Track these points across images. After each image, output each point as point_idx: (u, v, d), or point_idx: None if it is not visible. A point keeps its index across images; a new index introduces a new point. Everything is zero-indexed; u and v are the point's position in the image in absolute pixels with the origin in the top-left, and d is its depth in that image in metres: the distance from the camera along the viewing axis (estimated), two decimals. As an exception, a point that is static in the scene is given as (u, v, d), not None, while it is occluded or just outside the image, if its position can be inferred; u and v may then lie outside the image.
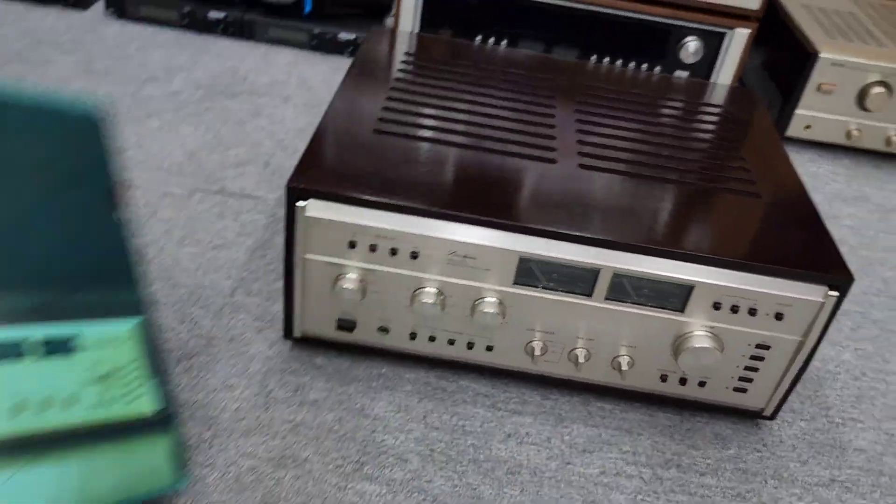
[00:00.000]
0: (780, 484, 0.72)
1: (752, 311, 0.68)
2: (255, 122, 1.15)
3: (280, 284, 0.86)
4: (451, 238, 0.67)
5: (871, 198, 1.23)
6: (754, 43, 1.22)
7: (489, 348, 0.74)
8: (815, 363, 0.87)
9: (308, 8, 1.39)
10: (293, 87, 1.25)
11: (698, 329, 0.70)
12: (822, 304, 0.67)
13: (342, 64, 1.35)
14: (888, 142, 1.28)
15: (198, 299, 0.82)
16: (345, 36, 1.36)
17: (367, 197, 0.67)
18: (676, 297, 0.68)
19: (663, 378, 0.74)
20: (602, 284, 0.68)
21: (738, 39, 1.21)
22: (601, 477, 0.71)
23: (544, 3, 1.21)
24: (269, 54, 1.35)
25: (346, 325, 0.74)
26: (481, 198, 0.69)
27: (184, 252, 0.88)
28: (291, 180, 0.67)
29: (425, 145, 0.76)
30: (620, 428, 0.76)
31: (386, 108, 0.81)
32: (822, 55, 1.22)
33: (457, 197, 0.68)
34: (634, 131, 0.85)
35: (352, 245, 0.68)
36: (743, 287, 0.67)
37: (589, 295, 0.69)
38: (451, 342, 0.74)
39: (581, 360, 0.72)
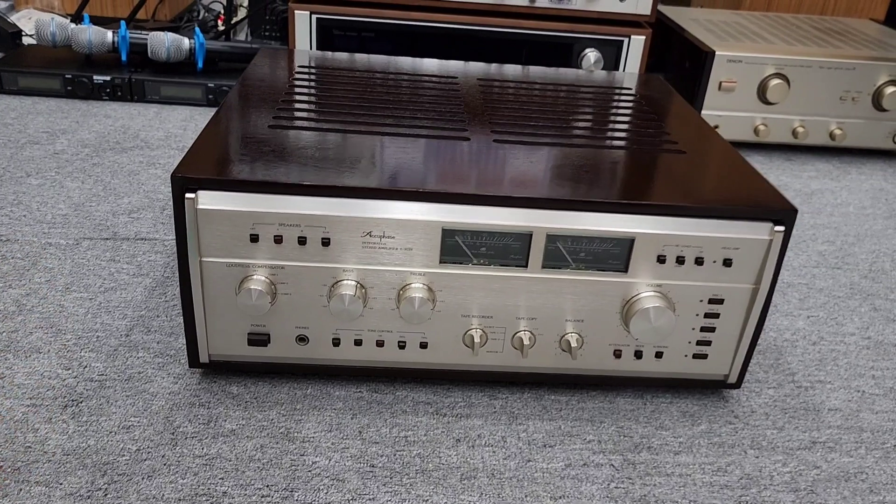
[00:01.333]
0: (760, 453, 0.66)
1: (699, 261, 0.63)
2: (149, 172, 1.06)
3: (181, 319, 0.76)
4: (364, 216, 0.60)
5: (790, 186, 1.23)
6: (651, 59, 1.23)
7: (423, 345, 0.66)
8: (770, 333, 0.83)
9: (200, 65, 1.33)
10: (190, 140, 1.18)
11: (645, 289, 0.64)
12: (770, 241, 0.63)
13: (241, 115, 1.29)
14: (794, 133, 1.30)
15: (87, 343, 0.72)
16: (241, 87, 1.31)
17: (265, 179, 0.60)
18: (617, 255, 0.63)
19: (617, 354, 0.67)
20: (537, 251, 0.62)
21: (635, 45, 1.21)
22: (567, 470, 0.62)
23: (441, 27, 1.19)
24: (163, 112, 1.28)
25: (259, 338, 0.65)
26: (395, 174, 0.62)
27: (69, 298, 0.78)
28: (178, 170, 0.59)
29: (329, 134, 0.69)
30: (580, 418, 0.68)
31: (281, 108, 0.75)
32: (719, 53, 1.24)
33: (368, 174, 0.62)
34: (547, 110, 0.81)
35: (254, 239, 0.60)
36: (686, 233, 0.62)
37: (524, 265, 0.63)
38: (380, 344, 0.66)
39: (526, 342, 0.65)
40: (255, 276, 0.62)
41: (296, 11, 1.16)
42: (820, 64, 1.24)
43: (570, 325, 0.66)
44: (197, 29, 1.34)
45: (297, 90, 0.81)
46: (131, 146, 1.14)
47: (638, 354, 0.67)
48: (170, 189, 1.02)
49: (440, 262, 0.62)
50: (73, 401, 0.65)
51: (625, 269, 0.63)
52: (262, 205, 0.59)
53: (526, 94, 0.87)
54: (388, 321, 0.65)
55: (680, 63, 1.35)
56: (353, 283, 0.62)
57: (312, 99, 0.79)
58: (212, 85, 1.30)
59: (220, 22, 1.65)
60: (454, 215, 0.61)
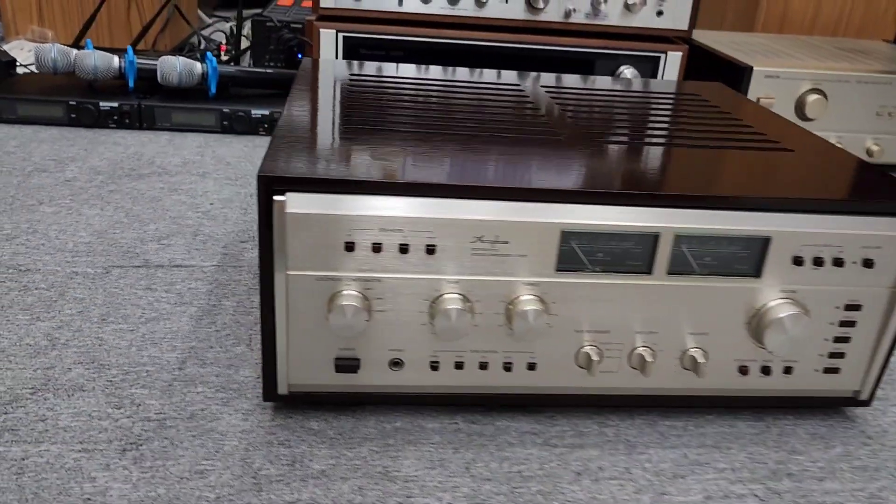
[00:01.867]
0: (906, 476, 0.59)
1: (838, 262, 0.57)
2: (172, 198, 0.98)
3: (240, 350, 0.68)
4: (476, 218, 0.53)
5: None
6: (683, 77, 1.20)
7: (531, 367, 0.59)
8: (870, 349, 0.77)
9: (214, 90, 1.26)
10: (209, 165, 1.10)
11: (778, 296, 0.58)
12: (916, 238, 0.57)
13: (260, 142, 1.22)
14: (833, 150, 1.27)
15: (136, 379, 0.63)
16: (258, 112, 1.24)
17: (366, 178, 0.52)
18: (749, 258, 0.56)
19: (743, 370, 0.61)
20: (663, 254, 0.56)
21: (672, 62, 1.17)
22: (709, 502, 0.55)
23: (473, 45, 1.14)
24: (175, 140, 1.20)
25: (348, 364, 0.57)
26: (502, 173, 0.56)
27: (107, 330, 0.69)
28: (264, 169, 0.52)
29: (415, 136, 0.63)
30: (704, 445, 0.61)
31: (351, 113, 0.68)
32: (757, 68, 1.20)
33: (473, 174, 0.55)
34: (627, 114, 0.75)
35: (349, 247, 0.53)
36: (826, 231, 0.56)
37: (648, 272, 0.56)
38: (483, 366, 0.58)
39: (648, 359, 0.58)
40: (347, 291, 0.54)
41: (321, 30, 1.10)
42: (857, 78, 1.21)
43: (693, 339, 0.59)
44: (208, 53, 1.27)
45: (360, 96, 0.74)
46: (148, 172, 1.06)
47: (766, 370, 0.61)
48: (199, 215, 0.94)
49: (556, 271, 0.55)
50: (131, 444, 0.56)
51: (757, 274, 0.57)
52: (362, 207, 0.52)
53: (600, 100, 0.81)
54: (493, 340, 0.57)
55: (715, 78, 1.32)
56: (459, 295, 0.55)
57: (381, 103, 0.72)
58: (227, 111, 1.23)
59: (222, 51, 1.59)
60: (575, 216, 0.54)
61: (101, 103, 1.21)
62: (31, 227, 0.88)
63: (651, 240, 0.55)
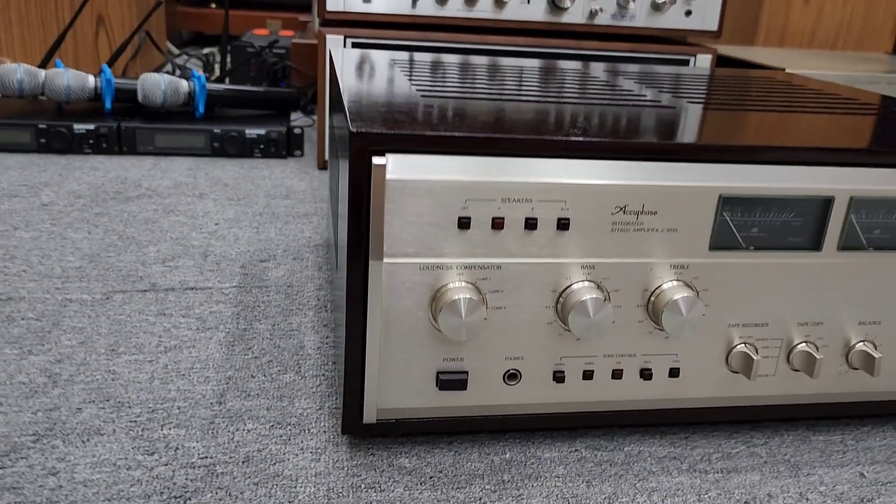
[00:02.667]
0: None
1: None
2: (170, 219, 0.85)
3: (289, 377, 0.55)
4: (620, 182, 0.42)
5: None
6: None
7: (674, 373, 0.48)
8: None
9: (202, 109, 1.14)
10: (204, 186, 0.98)
11: (962, 272, 0.48)
12: None
13: (256, 164, 1.09)
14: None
15: (167, 417, 0.49)
16: (253, 132, 1.12)
17: (486, 135, 0.41)
18: (929, 227, 0.47)
19: (915, 367, 0.51)
20: (835, 225, 0.46)
21: (701, 64, 1.10)
22: (917, 528, 0.44)
23: (492, 48, 1.05)
24: (161, 163, 1.07)
25: (455, 379, 0.45)
26: (630, 134, 0.45)
27: (119, 362, 0.56)
28: (356, 125, 0.40)
29: (508, 103, 0.52)
30: (876, 460, 0.50)
31: (417, 84, 0.57)
32: (788, 70, 1.14)
33: (604, 132, 0.45)
34: (721, 89, 0.66)
35: (464, 224, 0.42)
36: None
37: (817, 248, 0.46)
38: (617, 375, 0.47)
39: (818, 356, 0.47)
40: (459, 283, 0.42)
41: (328, 36, 1.00)
42: (888, 80, 1.16)
43: (862, 331, 0.49)
44: (194, 70, 1.16)
45: (420, 70, 0.63)
46: (136, 195, 0.92)
47: (941, 366, 0.51)
48: (204, 235, 0.81)
49: (710, 249, 0.45)
50: (175, 497, 0.42)
51: (938, 246, 0.47)
52: (481, 172, 0.41)
53: (691, 81, 0.72)
54: (631, 339, 0.46)
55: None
56: (594, 283, 0.44)
57: (448, 75, 0.61)
58: (217, 131, 1.11)
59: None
60: (735, 178, 0.44)
61: (76, 126, 1.07)
62: (7, 253, 0.73)
63: (823, 206, 0.45)
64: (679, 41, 1.10)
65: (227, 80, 1.37)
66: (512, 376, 0.46)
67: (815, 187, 0.45)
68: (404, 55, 0.78)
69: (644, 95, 0.60)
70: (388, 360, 0.44)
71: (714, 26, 1.09)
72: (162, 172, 1.03)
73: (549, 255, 0.43)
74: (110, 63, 1.24)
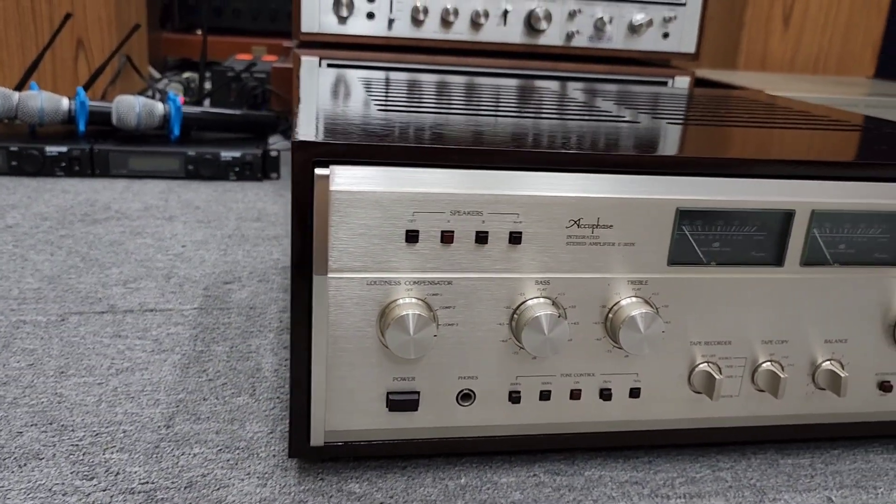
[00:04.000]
0: None
1: None
2: (136, 242, 0.83)
3: (242, 400, 0.53)
4: (574, 195, 0.41)
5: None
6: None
7: (634, 393, 0.46)
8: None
9: (177, 132, 1.13)
10: (175, 209, 0.96)
11: (929, 289, 0.47)
12: None
13: (231, 187, 1.08)
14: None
15: (110, 441, 0.48)
16: (228, 155, 1.11)
17: (433, 146, 0.40)
18: (891, 242, 0.46)
19: (885, 387, 0.49)
20: (797, 239, 0.45)
21: (679, 86, 1.10)
22: (887, 554, 0.42)
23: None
24: (133, 186, 1.06)
25: (405, 399, 0.43)
26: (591, 146, 0.44)
27: (67, 385, 0.54)
28: (301, 134, 0.39)
29: (464, 115, 0.51)
30: (845, 485, 0.48)
31: (376, 99, 0.56)
32: (768, 93, 1.14)
33: (562, 147, 0.43)
34: (696, 107, 0.66)
35: (412, 238, 0.40)
36: (983, 205, 0.46)
37: (779, 263, 0.45)
38: (576, 395, 0.45)
39: (782, 375, 0.46)
40: (408, 299, 0.41)
41: (303, 58, 1.00)
42: (866, 102, 1.17)
43: (829, 349, 0.47)
44: (171, 93, 1.15)
45: (381, 85, 0.62)
46: (104, 217, 0.91)
47: (911, 386, 0.49)
48: (170, 258, 0.79)
49: (669, 264, 0.44)
50: (110, 525, 0.40)
51: (903, 262, 0.46)
52: (429, 183, 0.40)
53: (667, 99, 0.72)
54: (589, 358, 0.45)
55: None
56: (549, 300, 0.43)
57: (407, 91, 0.60)
58: (192, 154, 1.09)
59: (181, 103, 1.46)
60: (693, 191, 0.43)
61: (48, 148, 1.06)
62: (-37, 274, 0.72)
63: (781, 221, 0.44)
64: (656, 63, 1.10)
65: (205, 103, 1.37)
66: (465, 396, 0.44)
67: (776, 200, 0.43)
68: (373, 73, 0.77)
69: (609, 111, 0.59)
70: (335, 380, 0.42)
71: (692, 48, 1.09)
72: (133, 195, 1.01)
73: (502, 270, 0.42)
74: (87, 86, 1.23)
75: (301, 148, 0.38)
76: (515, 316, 0.42)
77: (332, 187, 0.39)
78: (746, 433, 0.49)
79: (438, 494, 0.45)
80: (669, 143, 0.47)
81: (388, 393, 0.43)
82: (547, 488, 0.46)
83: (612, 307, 0.44)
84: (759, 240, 0.45)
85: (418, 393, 0.43)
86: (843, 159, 0.45)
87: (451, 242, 0.41)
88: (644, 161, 0.42)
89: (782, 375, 0.46)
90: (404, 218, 0.40)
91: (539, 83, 0.80)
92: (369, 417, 0.43)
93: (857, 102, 1.16)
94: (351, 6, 0.99)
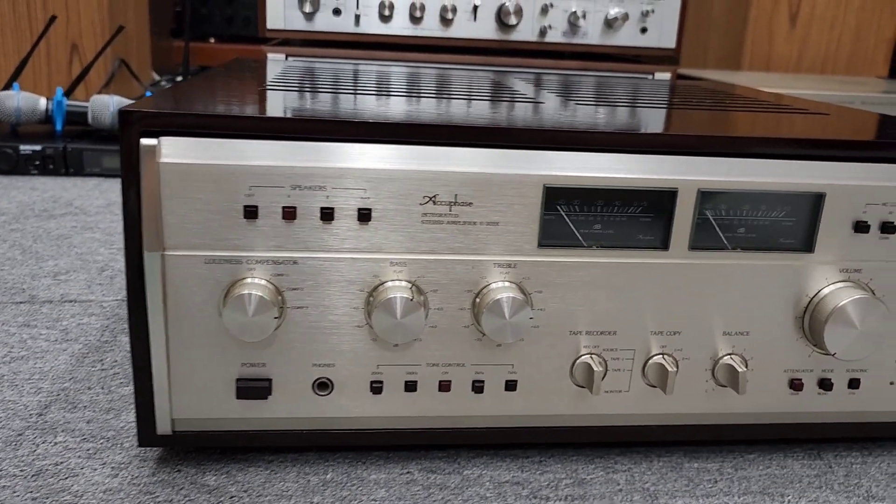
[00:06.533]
0: None
1: (914, 229, 0.43)
2: (84, 236, 0.83)
3: (128, 390, 0.52)
4: (428, 169, 0.39)
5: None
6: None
7: (511, 386, 0.43)
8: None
9: (151, 131, 1.13)
10: (138, 206, 0.96)
11: (839, 276, 0.43)
12: None
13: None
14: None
15: (-25, 428, 0.46)
16: (201, 154, 1.10)
17: (273, 115, 0.38)
18: (796, 226, 0.42)
19: (795, 385, 0.45)
20: (683, 221, 0.41)
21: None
22: (771, 567, 0.38)
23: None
24: (104, 184, 1.06)
25: (255, 386, 0.41)
26: (463, 116, 0.42)
27: (-44, 372, 0.53)
28: (128, 107, 0.38)
29: (351, 96, 0.49)
30: (749, 491, 0.44)
31: (280, 80, 0.54)
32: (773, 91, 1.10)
33: (431, 122, 0.41)
34: (613, 89, 0.62)
35: (250, 213, 0.38)
36: (896, 185, 0.42)
37: (664, 246, 0.42)
38: (445, 387, 0.43)
39: (670, 368, 0.42)
40: (251, 279, 0.39)
41: (269, 55, 0.99)
42: (862, 99, 1.11)
43: (728, 343, 0.44)
44: (148, 92, 1.15)
45: (293, 72, 0.61)
46: (62, 213, 0.91)
47: (825, 384, 0.45)
48: (112, 251, 0.78)
49: (539, 246, 0.41)
50: (-62, 511, 0.39)
51: (809, 248, 0.42)
52: (268, 155, 0.38)
53: (575, 82, 0.69)
54: (458, 347, 0.42)
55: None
56: (407, 283, 0.40)
57: (331, 76, 0.58)
58: (165, 152, 1.09)
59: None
60: (563, 166, 0.40)
61: (22, 147, 1.07)
62: None
63: (666, 201, 0.41)
64: (634, 59, 1.07)
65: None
66: (322, 385, 0.42)
67: (655, 178, 0.40)
68: (318, 63, 0.75)
69: (520, 92, 0.56)
70: (179, 365, 0.40)
71: (671, 44, 1.05)
72: (100, 193, 1.01)
73: (352, 250, 0.39)
74: (72, 87, 1.24)
75: (127, 118, 0.36)
76: (371, 299, 0.40)
77: (161, 159, 0.37)
78: (645, 433, 0.46)
79: (298, 489, 0.42)
80: (550, 119, 0.44)
81: (237, 379, 0.41)
82: (417, 486, 0.43)
83: (480, 292, 0.41)
84: (646, 221, 0.41)
85: (270, 380, 0.41)
86: (737, 134, 0.41)
87: (294, 219, 0.38)
88: (505, 134, 0.39)
89: (670, 369, 0.42)
90: (241, 192, 0.38)
91: (475, 70, 0.77)
92: (220, 405, 0.41)
93: (851, 100, 1.11)
94: (316, 2, 0.98)
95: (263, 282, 0.39)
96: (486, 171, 0.39)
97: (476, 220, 0.39)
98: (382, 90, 0.52)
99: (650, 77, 1.06)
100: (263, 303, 0.38)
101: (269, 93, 0.47)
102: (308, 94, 0.48)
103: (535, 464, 0.46)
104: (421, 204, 0.39)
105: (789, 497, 0.44)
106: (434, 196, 0.39)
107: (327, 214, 0.38)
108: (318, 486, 0.43)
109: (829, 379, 0.45)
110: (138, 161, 0.37)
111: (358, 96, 0.48)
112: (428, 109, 0.44)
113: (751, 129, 0.44)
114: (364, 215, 0.38)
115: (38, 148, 1.08)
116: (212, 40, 2.34)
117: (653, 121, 0.45)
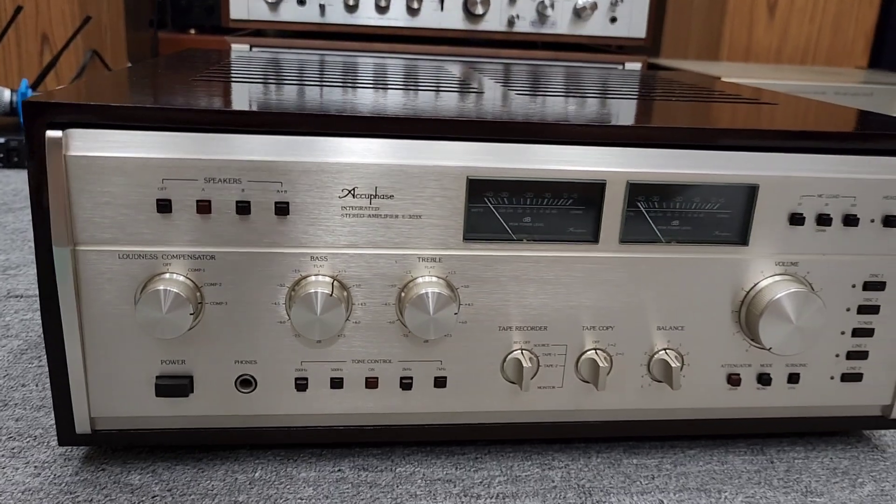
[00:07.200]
0: (970, 520, 0.42)
1: (851, 220, 0.42)
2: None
3: (64, 387, 0.51)
4: (345, 161, 0.38)
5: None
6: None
7: (440, 383, 0.42)
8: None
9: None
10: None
11: (775, 269, 0.42)
12: (951, 186, 0.42)
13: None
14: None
15: None
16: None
17: (186, 106, 0.37)
18: (731, 218, 0.41)
19: (733, 380, 0.44)
20: (612, 214, 0.40)
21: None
22: (697, 565, 0.38)
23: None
24: (69, 177, 1.05)
25: (174, 384, 0.40)
26: (384, 107, 0.41)
27: None
28: (34, 97, 0.37)
29: (289, 86, 0.48)
30: (687, 488, 0.44)
31: (217, 70, 0.53)
32: (724, 79, 1.09)
33: (350, 106, 0.40)
34: (563, 78, 0.62)
35: (164, 207, 0.37)
36: (834, 175, 0.41)
37: (594, 239, 0.41)
38: (372, 384, 0.42)
39: (602, 364, 0.42)
40: (166, 274, 0.38)
41: (233, 45, 0.98)
42: (835, 90, 1.10)
43: (663, 338, 0.43)
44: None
45: (241, 63, 0.59)
46: (21, 206, 0.90)
47: (764, 380, 0.44)
48: (66, 245, 0.77)
49: (464, 240, 0.40)
50: None
51: (743, 241, 0.42)
52: (180, 148, 0.37)
53: (546, 72, 0.68)
54: (384, 343, 0.41)
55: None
56: (328, 278, 0.39)
57: (292, 68, 0.57)
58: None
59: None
60: (486, 158, 0.39)
61: (-13, 141, 1.06)
62: None
63: (595, 193, 0.40)
64: (604, 49, 1.06)
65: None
66: (245, 383, 0.41)
67: (583, 170, 0.39)
68: (280, 53, 0.74)
69: (464, 82, 0.55)
70: (95, 363, 0.39)
71: (641, 34, 1.04)
72: (64, 185, 1.00)
73: (271, 245, 0.38)
74: (39, 79, 1.23)
75: (32, 110, 0.35)
76: (292, 294, 0.39)
77: (67, 152, 0.36)
78: (581, 429, 0.45)
79: (223, 488, 0.41)
80: (477, 109, 0.43)
81: (156, 377, 0.40)
82: (346, 484, 0.42)
83: (405, 286, 0.40)
84: (577, 214, 0.40)
85: (191, 377, 0.40)
86: (667, 124, 0.40)
87: (209, 213, 0.37)
88: (426, 124, 0.38)
89: (602, 364, 0.41)
90: (153, 186, 0.37)
91: (421, 61, 0.76)
92: (140, 404, 0.40)
93: (824, 90, 1.10)
94: (280, -8, 0.97)
95: (181, 278, 0.38)
96: (406, 163, 0.38)
97: (398, 213, 0.39)
98: (314, 81, 0.51)
99: (620, 67, 1.05)
100: (178, 299, 0.37)
101: (196, 83, 0.46)
102: (235, 84, 0.47)
103: (470, 461, 0.45)
104: (340, 197, 0.38)
105: (726, 493, 0.44)
106: (353, 189, 0.38)
107: (243, 208, 0.37)
108: (245, 484, 0.42)
109: (768, 374, 0.44)
110: (44, 154, 0.36)
111: (284, 86, 0.47)
112: (353, 100, 0.43)
113: (684, 120, 0.43)
114: (281, 209, 0.38)
115: (1, 141, 1.06)
116: (192, 31, 2.32)
117: (588, 111, 0.44)
